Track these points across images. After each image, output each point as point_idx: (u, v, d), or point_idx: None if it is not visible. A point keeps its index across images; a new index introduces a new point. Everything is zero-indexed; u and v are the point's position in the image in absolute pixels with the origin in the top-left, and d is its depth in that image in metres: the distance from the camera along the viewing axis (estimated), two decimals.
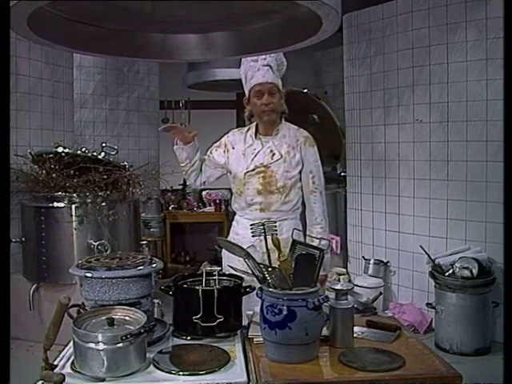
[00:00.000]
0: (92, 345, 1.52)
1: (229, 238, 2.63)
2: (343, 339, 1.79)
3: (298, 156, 2.61)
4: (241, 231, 2.61)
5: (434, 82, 3.86)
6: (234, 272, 2.02)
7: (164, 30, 1.59)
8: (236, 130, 2.78)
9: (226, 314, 1.80)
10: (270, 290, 1.69)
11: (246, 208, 2.61)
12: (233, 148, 2.66)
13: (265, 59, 2.52)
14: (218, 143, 2.75)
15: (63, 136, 4.36)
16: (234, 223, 2.74)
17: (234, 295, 1.88)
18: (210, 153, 2.72)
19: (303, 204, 2.67)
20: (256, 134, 2.65)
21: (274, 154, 2.59)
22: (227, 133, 2.76)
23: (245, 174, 2.59)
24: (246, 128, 2.71)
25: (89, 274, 1.77)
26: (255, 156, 2.60)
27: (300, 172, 2.62)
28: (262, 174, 2.58)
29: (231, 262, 2.24)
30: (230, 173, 2.68)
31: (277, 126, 2.64)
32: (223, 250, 2.66)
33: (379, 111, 4.23)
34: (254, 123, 2.69)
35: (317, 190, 2.62)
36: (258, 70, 2.54)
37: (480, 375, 3.00)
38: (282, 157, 2.59)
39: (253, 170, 2.58)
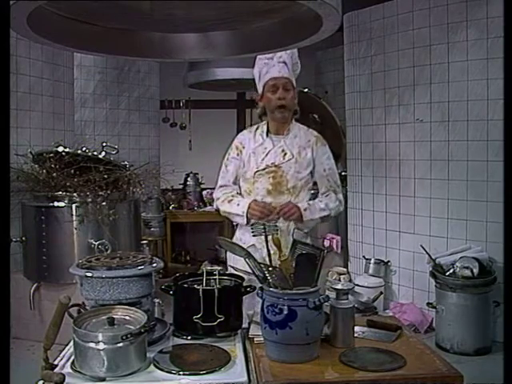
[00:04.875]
0: (92, 344, 1.52)
1: (234, 240, 2.56)
2: (344, 339, 1.79)
3: (310, 156, 2.58)
4: (248, 231, 2.58)
5: (434, 82, 3.85)
6: (235, 271, 2.02)
7: (164, 29, 1.58)
8: (245, 130, 2.76)
9: (227, 313, 1.80)
10: (271, 289, 1.69)
11: None
12: (243, 147, 2.63)
13: (280, 57, 2.52)
14: (229, 153, 2.66)
15: (64, 135, 4.36)
16: (239, 225, 2.70)
17: (234, 295, 1.88)
18: (227, 170, 2.65)
19: None
20: (267, 133, 2.63)
21: (285, 154, 2.56)
22: (235, 136, 2.73)
23: (255, 172, 2.55)
24: (255, 127, 2.69)
25: (89, 274, 1.77)
26: (266, 155, 2.57)
27: (311, 173, 2.59)
28: (272, 174, 2.54)
29: (235, 263, 2.23)
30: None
31: (288, 125, 2.62)
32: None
33: (380, 111, 4.22)
34: (264, 122, 2.66)
35: (331, 189, 2.60)
36: (273, 66, 2.53)
37: (481, 375, 3.00)
38: (293, 157, 2.55)
39: (263, 169, 2.54)
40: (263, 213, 2.44)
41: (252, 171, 2.57)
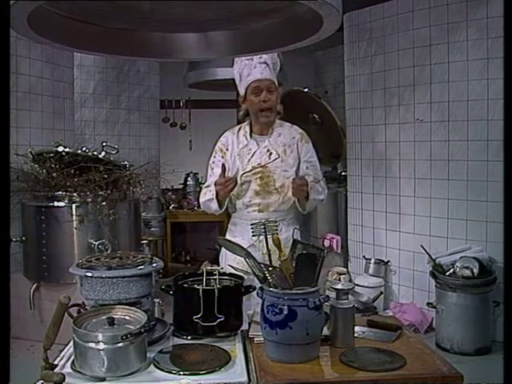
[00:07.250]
0: (92, 344, 1.52)
1: None
2: (344, 339, 1.79)
3: (295, 154, 2.58)
4: (239, 233, 2.59)
5: (434, 82, 3.85)
6: (235, 271, 2.02)
7: (163, 28, 1.58)
8: (226, 131, 2.71)
9: (227, 313, 1.80)
10: (271, 289, 1.69)
11: (244, 209, 2.58)
12: (227, 149, 2.61)
13: (260, 57, 2.48)
14: (214, 156, 2.65)
15: (64, 135, 4.37)
16: (230, 226, 2.69)
17: (234, 295, 1.88)
18: (213, 173, 2.60)
19: None
20: (251, 134, 2.61)
21: (271, 154, 2.56)
22: (218, 138, 2.70)
23: (241, 175, 2.55)
24: (238, 127, 2.66)
25: (89, 274, 1.77)
26: (252, 156, 2.56)
27: (297, 170, 2.59)
28: (259, 175, 2.54)
29: (231, 262, 2.24)
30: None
31: (272, 125, 2.61)
32: (222, 251, 2.65)
33: (380, 110, 4.22)
34: (247, 122, 2.64)
35: (314, 181, 2.54)
36: (254, 68, 2.50)
37: (481, 375, 2.99)
38: (279, 156, 2.56)
39: (250, 170, 2.54)
40: (226, 184, 2.42)
41: (238, 173, 2.56)
